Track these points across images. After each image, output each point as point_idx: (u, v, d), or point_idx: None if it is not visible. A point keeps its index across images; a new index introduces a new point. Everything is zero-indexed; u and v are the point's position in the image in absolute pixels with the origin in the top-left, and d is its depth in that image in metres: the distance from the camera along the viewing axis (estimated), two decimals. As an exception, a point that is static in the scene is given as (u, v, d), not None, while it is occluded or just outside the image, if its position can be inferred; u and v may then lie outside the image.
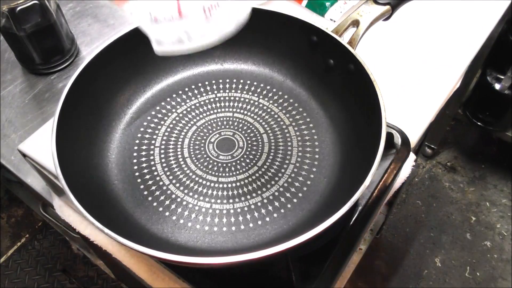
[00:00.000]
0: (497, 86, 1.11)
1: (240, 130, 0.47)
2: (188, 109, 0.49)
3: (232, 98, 0.49)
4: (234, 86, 0.50)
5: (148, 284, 0.45)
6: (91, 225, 0.33)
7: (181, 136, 0.46)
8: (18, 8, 0.53)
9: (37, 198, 0.55)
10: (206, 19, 0.25)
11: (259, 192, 0.42)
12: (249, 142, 0.46)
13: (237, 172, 0.43)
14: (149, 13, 0.25)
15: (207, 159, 0.45)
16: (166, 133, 0.47)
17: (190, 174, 0.44)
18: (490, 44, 0.91)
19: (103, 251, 0.48)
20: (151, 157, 0.45)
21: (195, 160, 0.44)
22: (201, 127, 0.47)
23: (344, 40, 0.43)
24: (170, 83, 0.51)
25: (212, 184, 0.43)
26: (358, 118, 0.44)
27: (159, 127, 0.47)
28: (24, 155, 0.49)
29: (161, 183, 0.43)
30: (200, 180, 0.43)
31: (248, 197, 0.42)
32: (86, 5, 0.70)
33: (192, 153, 0.45)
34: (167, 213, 0.41)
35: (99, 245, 0.48)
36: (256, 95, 0.49)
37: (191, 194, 0.42)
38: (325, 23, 0.40)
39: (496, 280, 1.12)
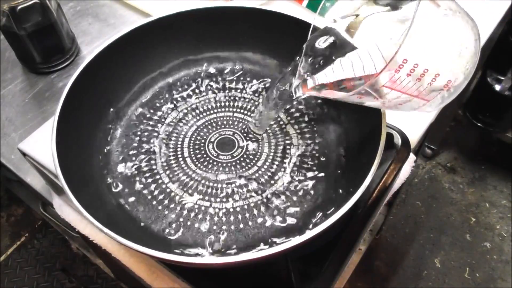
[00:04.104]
0: (497, 87, 1.11)
1: (240, 130, 0.47)
2: (188, 109, 0.49)
3: (232, 98, 0.50)
4: (234, 86, 0.51)
5: (147, 284, 0.45)
6: (91, 224, 0.33)
7: (181, 136, 0.47)
8: (19, 7, 0.53)
9: (37, 197, 0.55)
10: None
11: (259, 191, 0.42)
12: (249, 142, 0.46)
13: (237, 172, 0.43)
14: None
15: (207, 158, 0.45)
16: (166, 133, 0.47)
17: (190, 173, 0.44)
18: (490, 45, 0.91)
19: (102, 250, 0.48)
20: (151, 156, 0.45)
21: (195, 160, 0.45)
22: (201, 127, 0.47)
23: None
24: (170, 83, 0.51)
25: (212, 184, 0.43)
26: (358, 118, 0.44)
27: (159, 126, 0.47)
28: (24, 154, 0.49)
29: (160, 181, 0.43)
30: (200, 179, 0.43)
31: (248, 196, 0.42)
32: (87, 5, 0.70)
33: (192, 152, 0.45)
34: (166, 212, 0.41)
35: (99, 244, 0.48)
36: (256, 94, 0.50)
37: (190, 192, 0.42)
38: (326, 23, 0.41)
39: (496, 281, 1.12)
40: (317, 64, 0.38)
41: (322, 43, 0.39)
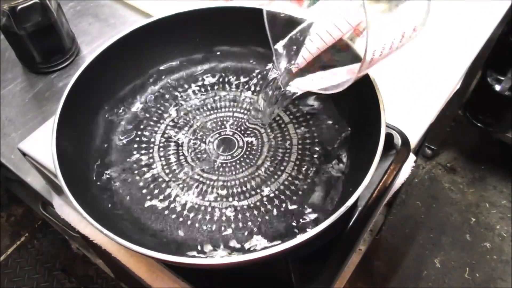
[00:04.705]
0: (497, 88, 1.11)
1: (240, 130, 0.47)
2: (188, 109, 0.49)
3: (232, 97, 0.50)
4: (234, 85, 0.51)
5: (147, 284, 0.45)
6: (90, 224, 0.33)
7: (181, 136, 0.47)
8: (19, 7, 0.53)
9: (37, 197, 0.55)
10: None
11: (258, 190, 0.42)
12: (249, 141, 0.46)
13: (237, 172, 0.43)
14: None
15: (207, 159, 0.45)
16: (166, 133, 0.47)
17: (190, 173, 0.44)
18: (490, 45, 0.91)
19: (102, 250, 0.48)
20: (151, 156, 0.45)
21: (195, 160, 0.45)
22: (201, 127, 0.47)
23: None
24: (170, 83, 0.51)
25: (212, 183, 0.43)
26: (358, 118, 0.44)
27: (159, 125, 0.47)
28: (24, 154, 0.49)
29: (160, 182, 0.43)
30: (200, 179, 0.43)
31: (248, 195, 0.42)
32: (87, 4, 0.70)
33: (192, 152, 0.45)
34: (166, 212, 0.41)
35: (99, 244, 0.48)
36: (256, 94, 0.50)
37: (190, 193, 0.42)
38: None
39: (496, 281, 1.12)
40: (293, 52, 0.40)
41: (293, 33, 0.41)
